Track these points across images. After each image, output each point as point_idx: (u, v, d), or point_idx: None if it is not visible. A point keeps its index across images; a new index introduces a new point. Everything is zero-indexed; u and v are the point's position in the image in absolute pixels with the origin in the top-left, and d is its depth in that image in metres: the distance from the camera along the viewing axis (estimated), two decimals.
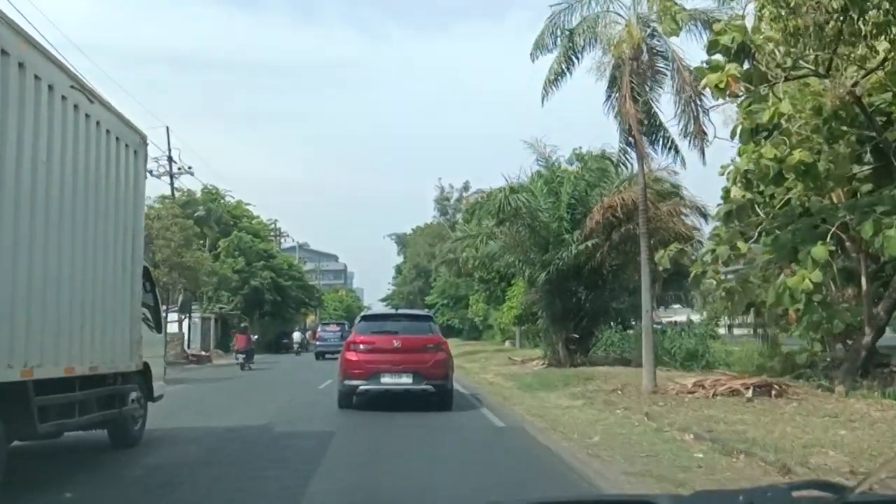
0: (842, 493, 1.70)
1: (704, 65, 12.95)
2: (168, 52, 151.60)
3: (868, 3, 10.60)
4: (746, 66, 11.97)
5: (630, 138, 13.19)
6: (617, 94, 12.98)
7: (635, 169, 15.07)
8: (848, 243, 14.44)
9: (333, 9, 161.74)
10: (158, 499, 6.15)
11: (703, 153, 13.10)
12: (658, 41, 13.33)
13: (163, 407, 9.87)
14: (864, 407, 10.48)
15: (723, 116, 17.04)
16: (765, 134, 13.47)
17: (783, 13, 10.90)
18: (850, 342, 14.97)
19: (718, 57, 12.44)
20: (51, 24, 66.73)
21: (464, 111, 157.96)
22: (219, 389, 18.28)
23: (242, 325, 34.75)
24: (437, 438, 9.31)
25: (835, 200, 15.06)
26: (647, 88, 12.97)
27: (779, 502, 1.65)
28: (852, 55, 11.92)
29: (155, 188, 34.16)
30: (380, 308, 61.89)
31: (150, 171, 31.97)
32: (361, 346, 12.55)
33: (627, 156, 13.76)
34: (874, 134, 13.56)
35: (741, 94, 11.46)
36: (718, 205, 18.37)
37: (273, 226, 58.59)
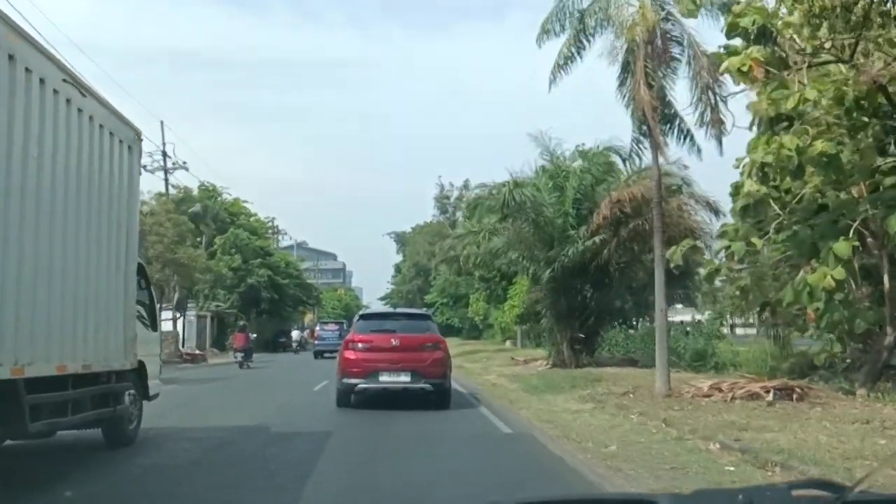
0: (841, 492, 1.68)
1: (722, 50, 12.33)
2: (168, 52, 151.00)
3: None
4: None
5: (644, 127, 12.49)
6: (630, 81, 12.29)
7: (647, 161, 14.40)
8: (869, 239, 13.78)
9: (334, 8, 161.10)
10: (155, 498, 6.11)
11: (720, 143, 12.41)
12: (673, 25, 12.64)
13: (154, 406, 9.70)
14: (894, 412, 9.83)
15: (745, 102, 16.36)
16: (785, 124, 12.82)
17: None
18: (867, 343, 14.34)
19: (737, 42, 11.84)
20: (50, 22, 66.10)
21: (464, 111, 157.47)
22: (211, 391, 17.71)
23: (241, 323, 34.57)
24: (441, 448, 8.54)
25: (855, 194, 14.41)
26: (662, 75, 12.27)
27: (779, 501, 1.63)
28: (881, 38, 11.22)
29: (151, 184, 33.71)
30: (378, 307, 61.47)
31: (144, 166, 31.44)
32: (360, 345, 12.49)
33: (641, 145, 13.07)
34: None
35: (763, 79, 10.74)
36: (735, 199, 17.76)
37: (271, 223, 58.06)
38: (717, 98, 12.01)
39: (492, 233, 22.31)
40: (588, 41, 12.94)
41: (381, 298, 77.89)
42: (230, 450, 8.42)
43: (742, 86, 12.81)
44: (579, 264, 19.88)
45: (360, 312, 16.99)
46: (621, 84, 12.69)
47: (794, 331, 17.67)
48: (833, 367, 14.63)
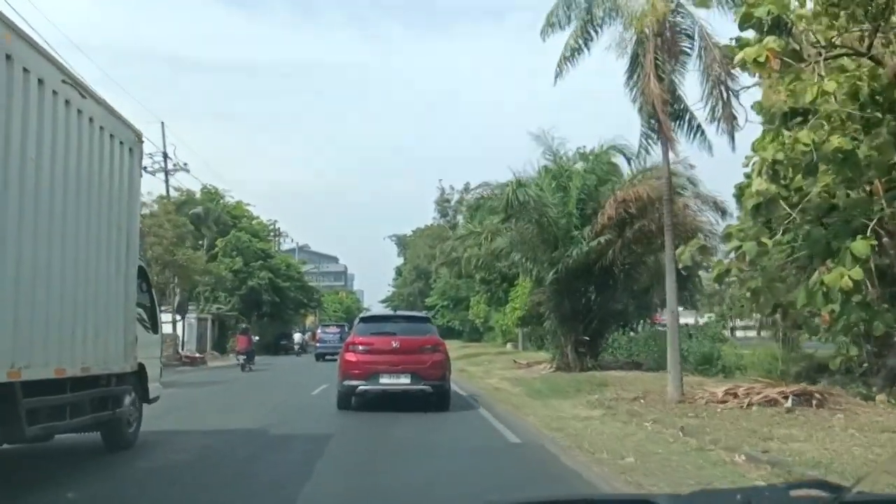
0: (839, 493, 1.67)
1: (733, 42, 11.88)
2: (168, 53, 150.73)
3: None
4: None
5: (653, 121, 12.03)
6: (638, 74, 11.84)
7: (655, 158, 13.94)
8: (885, 238, 13.33)
9: (335, 9, 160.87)
10: (156, 500, 6.12)
11: (732, 138, 11.95)
12: (683, 17, 12.19)
13: (151, 409, 9.56)
14: None
15: (752, 100, 15.93)
16: (799, 120, 12.39)
17: None
18: (883, 346, 13.89)
19: (749, 34, 11.40)
20: (49, 22, 65.80)
21: (464, 111, 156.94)
22: (210, 394, 17.25)
23: (244, 326, 34.48)
24: (447, 462, 7.86)
25: (869, 192, 13.97)
26: (670, 68, 11.81)
27: (777, 501, 1.62)
28: None
29: (153, 187, 33.34)
30: (379, 309, 61.14)
31: (145, 168, 31.11)
32: (360, 347, 12.56)
33: (650, 140, 12.59)
34: None
35: (780, 70, 10.28)
36: (741, 200, 17.33)
37: (273, 226, 57.71)
38: (730, 92, 11.54)
39: (494, 233, 21.85)
40: (596, 32, 12.50)
41: (382, 301, 77.90)
42: (228, 452, 8.34)
43: (755, 79, 12.41)
44: (583, 265, 19.44)
45: (361, 315, 16.98)
46: (630, 77, 12.24)
47: (807, 334, 17.19)
48: (850, 372, 14.16)
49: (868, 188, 14.47)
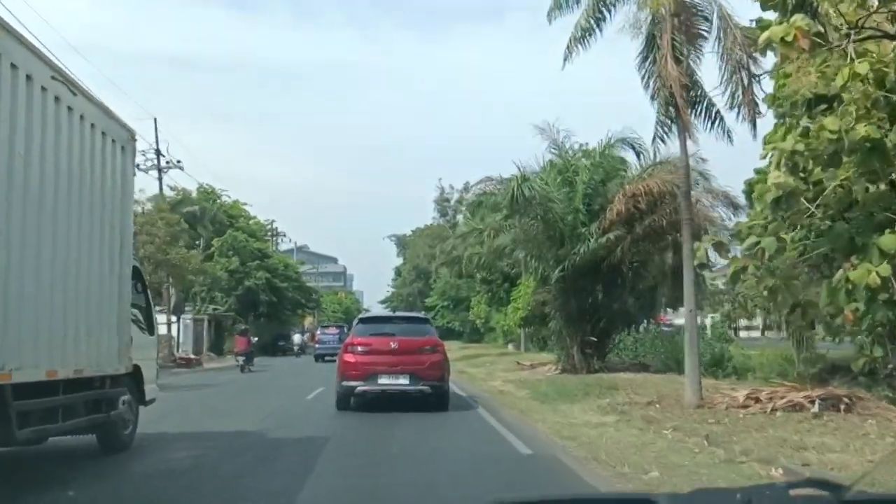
0: (839, 492, 1.66)
1: (753, 24, 11.21)
2: (168, 54, 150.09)
3: None
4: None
5: (670, 108, 11.31)
6: (654, 57, 11.14)
7: (667, 151, 13.23)
8: None
9: (334, 10, 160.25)
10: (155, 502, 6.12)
11: (754, 125, 11.24)
12: None
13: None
14: None
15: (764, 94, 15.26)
16: (824, 107, 11.72)
17: None
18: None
19: (770, 15, 10.76)
20: (48, 25, 65.15)
21: (464, 112, 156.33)
22: (203, 397, 16.60)
23: (243, 327, 34.16)
24: (452, 477, 6.96)
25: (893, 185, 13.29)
26: (688, 51, 11.11)
27: (776, 500, 1.63)
28: None
29: (146, 186, 32.74)
30: (379, 310, 60.70)
31: (137, 165, 30.44)
32: (359, 348, 12.59)
33: (667, 129, 11.86)
34: None
35: (809, 51, 9.60)
36: (751, 196, 16.72)
37: (270, 226, 57.07)
38: (752, 77, 10.84)
39: (497, 231, 21.13)
40: (609, 11, 11.78)
41: (382, 302, 77.57)
42: (227, 455, 8.32)
43: (774, 66, 11.75)
44: (591, 263, 18.75)
45: (360, 316, 16.86)
46: (644, 61, 11.51)
47: (825, 334, 16.50)
48: (873, 373, 13.46)
49: (890, 181, 13.78)
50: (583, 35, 11.89)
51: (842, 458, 6.82)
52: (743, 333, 37.23)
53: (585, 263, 18.67)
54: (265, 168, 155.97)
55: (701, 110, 11.85)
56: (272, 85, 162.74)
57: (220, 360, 36.40)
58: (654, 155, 18.29)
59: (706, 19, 11.75)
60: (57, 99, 6.62)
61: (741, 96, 11.11)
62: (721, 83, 11.14)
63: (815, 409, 10.05)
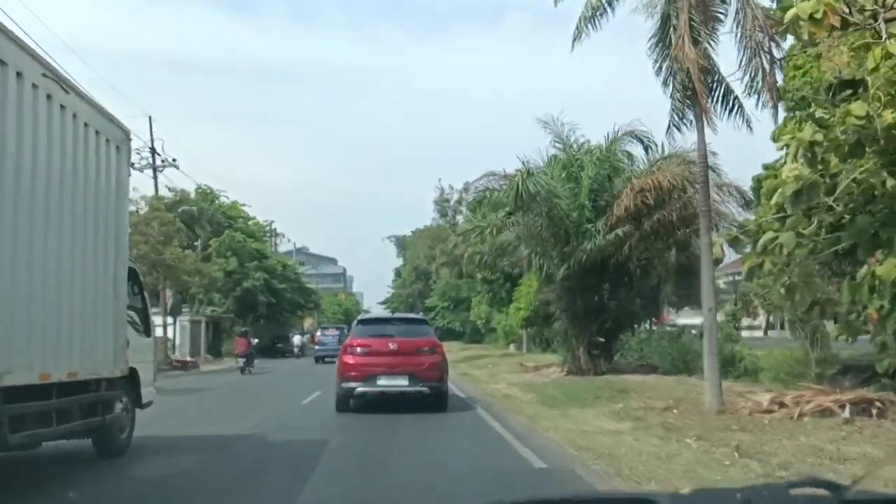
0: (839, 491, 1.64)
1: (773, 4, 10.61)
2: (167, 55, 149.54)
3: None
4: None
5: (686, 92, 10.64)
6: (668, 39, 10.47)
7: (677, 144, 12.55)
8: None
9: (333, 11, 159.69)
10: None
11: (776, 111, 10.60)
12: None
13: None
14: None
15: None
16: (848, 92, 11.09)
17: None
18: None
19: None
20: (45, 26, 64.66)
21: (464, 112, 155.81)
22: (197, 401, 16.07)
23: (243, 329, 34.10)
24: (459, 499, 6.22)
25: None
26: (706, 33, 10.45)
27: (776, 500, 1.62)
28: None
29: (144, 186, 32.24)
30: (379, 311, 60.24)
31: (132, 164, 29.80)
32: (358, 349, 12.64)
33: (683, 115, 11.17)
34: None
35: (840, 29, 8.95)
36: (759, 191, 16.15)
37: (269, 227, 56.46)
38: (773, 61, 10.20)
39: (499, 228, 20.46)
40: None
41: (382, 303, 77.15)
42: (226, 458, 8.31)
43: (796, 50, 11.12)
44: (597, 261, 18.08)
45: (359, 317, 16.89)
46: (658, 43, 10.84)
47: (843, 334, 15.84)
48: None
49: None
50: (593, 14, 11.23)
51: (894, 472, 6.14)
52: (745, 333, 36.60)
53: (592, 261, 18.02)
54: (265, 168, 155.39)
55: (718, 97, 11.19)
56: (272, 85, 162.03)
57: (218, 362, 35.85)
58: (663, 148, 17.66)
59: (723, 1, 11.11)
60: (49, 97, 6.55)
61: (761, 82, 10.46)
62: (739, 68, 10.49)
63: (846, 414, 9.39)
